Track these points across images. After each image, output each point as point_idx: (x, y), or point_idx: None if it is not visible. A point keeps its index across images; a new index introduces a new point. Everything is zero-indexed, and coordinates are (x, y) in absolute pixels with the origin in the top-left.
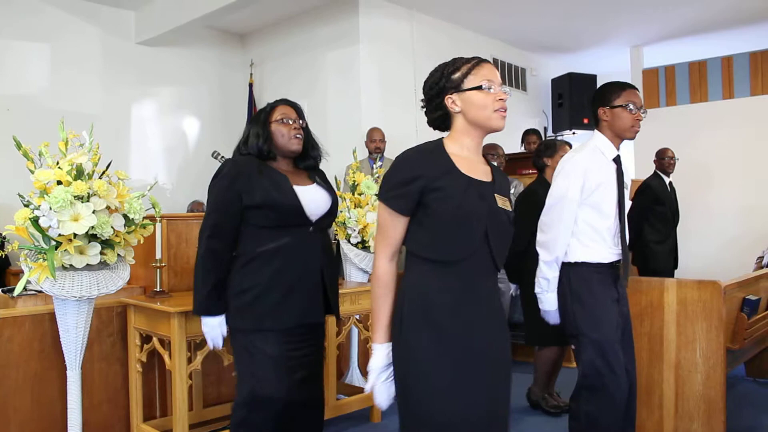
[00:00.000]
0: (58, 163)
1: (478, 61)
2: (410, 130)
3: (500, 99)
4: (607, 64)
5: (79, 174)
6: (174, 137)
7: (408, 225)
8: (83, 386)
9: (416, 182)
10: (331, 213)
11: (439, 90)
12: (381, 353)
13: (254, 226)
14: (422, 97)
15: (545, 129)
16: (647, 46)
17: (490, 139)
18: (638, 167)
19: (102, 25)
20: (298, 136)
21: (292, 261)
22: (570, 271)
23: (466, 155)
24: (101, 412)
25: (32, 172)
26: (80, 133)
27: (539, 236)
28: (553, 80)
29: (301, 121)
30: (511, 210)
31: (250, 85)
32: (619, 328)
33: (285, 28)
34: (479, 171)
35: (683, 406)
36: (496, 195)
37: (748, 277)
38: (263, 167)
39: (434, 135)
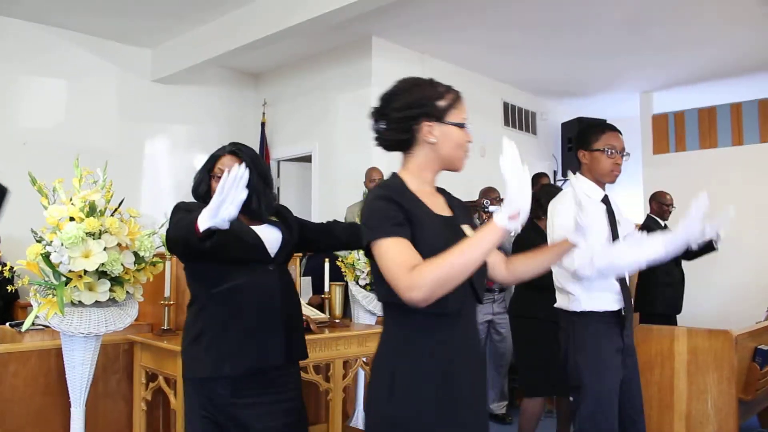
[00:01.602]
0: (71, 199)
1: (458, 94)
2: None
3: (469, 141)
4: (617, 109)
5: (91, 211)
6: (186, 174)
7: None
8: (87, 423)
9: (401, 216)
10: (284, 247)
11: (419, 113)
12: None
13: (209, 267)
14: (378, 108)
15: (554, 173)
16: (657, 92)
17: (495, 179)
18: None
19: (119, 62)
20: None
21: (249, 301)
22: (575, 321)
23: (428, 190)
24: None
25: (46, 208)
26: (94, 171)
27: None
28: (563, 124)
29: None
30: None
31: (263, 125)
32: (620, 380)
33: (298, 69)
34: (440, 205)
35: None
36: (463, 227)
37: (759, 326)
38: None
39: (447, 176)
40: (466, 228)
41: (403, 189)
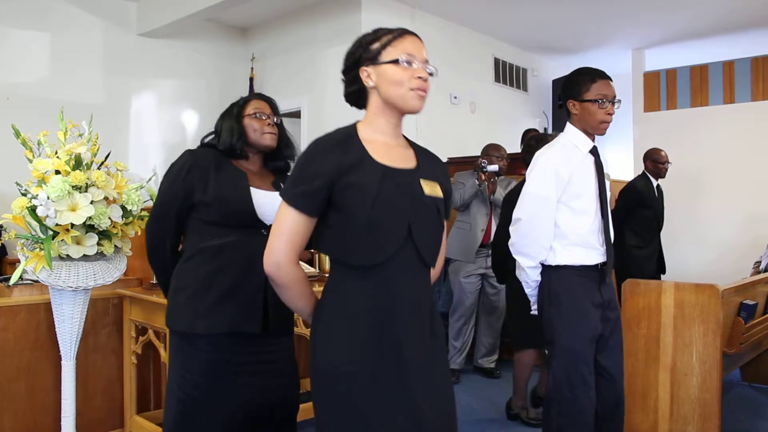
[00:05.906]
0: (56, 152)
1: (401, 32)
2: (410, 126)
3: (419, 77)
4: (609, 66)
5: (77, 164)
6: (173, 130)
7: (319, 226)
8: (78, 377)
9: (322, 178)
10: None
11: (355, 61)
12: None
13: (202, 222)
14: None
15: (545, 129)
16: (649, 49)
17: (486, 136)
18: (637, 170)
19: (103, 15)
20: (270, 131)
21: (234, 262)
22: (551, 275)
23: (381, 140)
24: (95, 403)
25: (30, 161)
26: (79, 123)
27: (514, 238)
28: (554, 81)
29: (275, 118)
30: (442, 197)
31: (251, 80)
32: (596, 336)
33: (287, 23)
34: (398, 157)
35: (678, 409)
36: (422, 181)
37: (745, 281)
38: (222, 162)
39: (437, 133)
40: (425, 183)
41: (350, 136)
